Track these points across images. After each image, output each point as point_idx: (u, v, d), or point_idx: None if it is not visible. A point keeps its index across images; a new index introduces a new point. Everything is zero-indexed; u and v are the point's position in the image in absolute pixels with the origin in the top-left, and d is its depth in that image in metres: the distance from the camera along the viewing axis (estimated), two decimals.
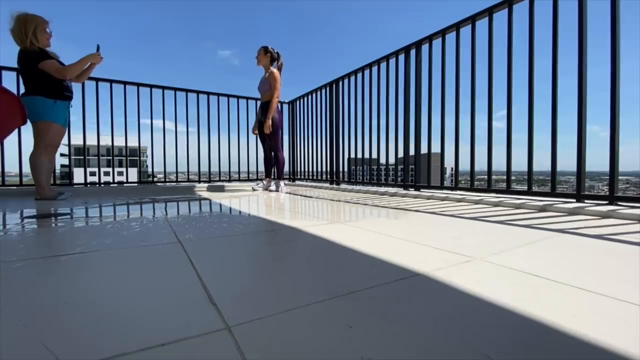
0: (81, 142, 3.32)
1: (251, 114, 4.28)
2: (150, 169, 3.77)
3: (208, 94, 3.94)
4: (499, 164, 2.08)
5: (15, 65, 2.42)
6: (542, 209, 1.65)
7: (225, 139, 4.05)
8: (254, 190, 3.39)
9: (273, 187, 3.46)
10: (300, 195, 2.82)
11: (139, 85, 3.47)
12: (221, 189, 3.54)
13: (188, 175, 4.24)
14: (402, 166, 2.84)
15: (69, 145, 3.29)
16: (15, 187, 2.93)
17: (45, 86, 2.36)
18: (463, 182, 2.66)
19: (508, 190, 2.00)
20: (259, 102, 4.35)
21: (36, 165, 2.41)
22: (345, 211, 1.85)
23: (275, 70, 3.26)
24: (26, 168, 2.97)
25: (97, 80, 3.23)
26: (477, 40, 2.23)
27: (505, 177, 2.05)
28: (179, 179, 3.97)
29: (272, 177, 3.63)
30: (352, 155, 3.45)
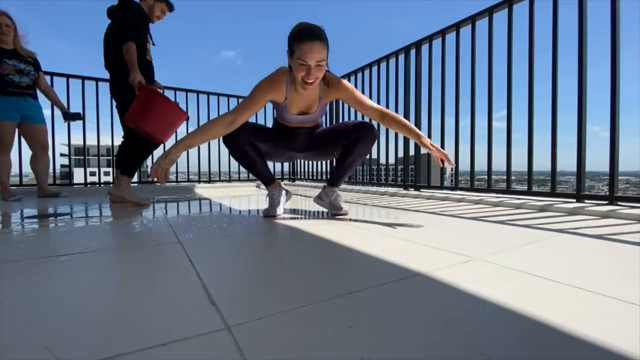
0: (81, 142, 3.33)
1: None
2: (150, 169, 3.75)
3: (208, 94, 3.94)
4: (499, 164, 2.09)
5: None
6: (542, 209, 1.65)
7: None
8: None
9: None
10: (300, 195, 2.82)
11: None
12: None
13: (188, 175, 4.25)
14: (402, 166, 2.84)
15: (69, 145, 3.29)
16: (15, 187, 2.93)
17: None
18: (463, 182, 2.66)
19: (508, 191, 2.00)
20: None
21: None
22: None
23: None
24: (26, 168, 2.99)
25: (97, 80, 3.23)
26: (477, 40, 2.23)
27: (505, 177, 2.05)
28: (179, 179, 3.97)
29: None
30: None
